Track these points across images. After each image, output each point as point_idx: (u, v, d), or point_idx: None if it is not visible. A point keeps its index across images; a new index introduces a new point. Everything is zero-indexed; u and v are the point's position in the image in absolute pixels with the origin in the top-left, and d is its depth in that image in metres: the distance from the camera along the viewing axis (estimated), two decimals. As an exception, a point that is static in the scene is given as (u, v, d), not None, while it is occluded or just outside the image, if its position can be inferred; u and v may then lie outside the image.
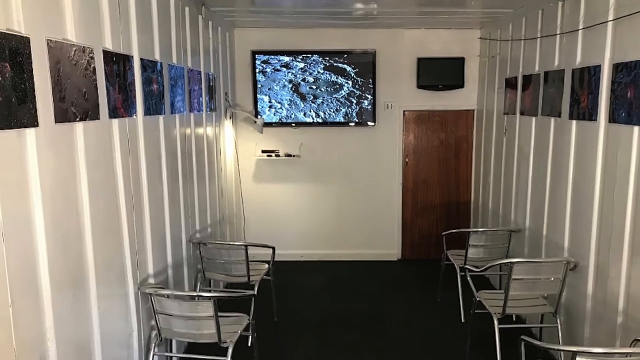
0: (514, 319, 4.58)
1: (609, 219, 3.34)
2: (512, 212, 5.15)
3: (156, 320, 3.30)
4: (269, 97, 6.42)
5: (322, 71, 6.38)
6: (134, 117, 3.29)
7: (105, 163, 2.93)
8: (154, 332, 3.38)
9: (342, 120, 6.49)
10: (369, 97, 6.44)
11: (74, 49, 2.53)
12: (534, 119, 4.64)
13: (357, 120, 6.50)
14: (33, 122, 2.17)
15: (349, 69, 6.39)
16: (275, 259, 4.73)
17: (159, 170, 3.78)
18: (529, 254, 4.67)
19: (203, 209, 4.90)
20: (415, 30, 6.39)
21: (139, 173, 3.40)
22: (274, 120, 6.46)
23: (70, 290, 2.53)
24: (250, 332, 3.84)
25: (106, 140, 2.94)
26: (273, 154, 6.56)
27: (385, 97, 6.51)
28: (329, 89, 6.42)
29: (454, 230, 5.32)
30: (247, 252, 4.29)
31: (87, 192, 2.68)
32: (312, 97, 6.43)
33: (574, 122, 3.85)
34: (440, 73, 6.39)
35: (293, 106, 6.45)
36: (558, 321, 3.76)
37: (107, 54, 2.88)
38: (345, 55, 6.37)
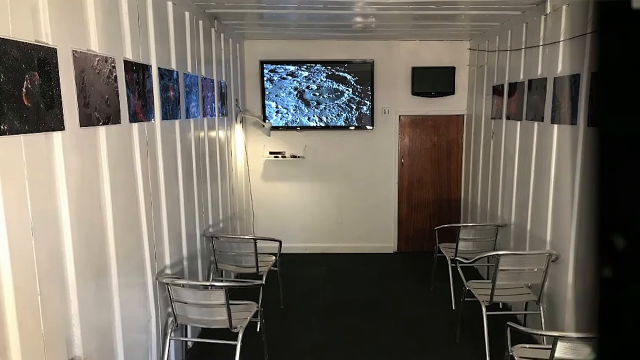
0: (501, 307, 4.56)
1: (587, 214, 3.31)
2: (499, 208, 5.13)
3: (172, 308, 3.30)
4: (276, 103, 6.41)
5: (324, 79, 6.36)
6: (152, 121, 3.28)
7: (125, 164, 2.92)
8: (171, 319, 3.38)
9: (343, 124, 6.47)
10: (368, 103, 6.42)
11: (97, 59, 2.53)
12: (518, 123, 4.62)
13: (356, 125, 6.48)
14: (60, 126, 2.17)
15: (349, 77, 6.37)
16: (282, 251, 4.73)
17: (175, 170, 3.77)
18: (514, 247, 4.64)
19: (215, 205, 4.89)
20: (410, 41, 6.37)
21: (156, 173, 3.39)
22: (280, 124, 6.44)
23: (94, 280, 2.53)
24: (258, 318, 3.83)
25: (127, 142, 2.93)
26: (280, 155, 6.55)
27: (382, 103, 6.49)
28: (331, 96, 6.40)
29: (446, 225, 5.31)
30: (255, 245, 4.28)
31: (109, 190, 2.68)
32: (315, 103, 6.42)
33: (555, 126, 3.83)
34: (433, 81, 6.37)
35: (298, 111, 6.43)
36: (541, 308, 3.75)
37: (127, 64, 2.88)
38: (346, 65, 6.35)
